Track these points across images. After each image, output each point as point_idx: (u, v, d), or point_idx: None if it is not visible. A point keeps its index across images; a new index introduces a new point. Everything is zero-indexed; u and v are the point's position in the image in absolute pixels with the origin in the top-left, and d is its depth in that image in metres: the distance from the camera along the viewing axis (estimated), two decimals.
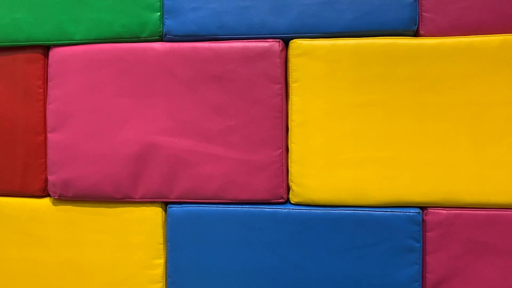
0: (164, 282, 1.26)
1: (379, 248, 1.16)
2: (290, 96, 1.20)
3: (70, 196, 1.25)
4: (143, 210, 1.25)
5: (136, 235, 1.25)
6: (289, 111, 1.20)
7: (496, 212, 1.14)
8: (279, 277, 1.19)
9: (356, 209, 1.18)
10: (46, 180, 1.28)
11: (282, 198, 1.22)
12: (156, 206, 1.25)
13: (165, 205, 1.26)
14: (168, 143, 1.22)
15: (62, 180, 1.25)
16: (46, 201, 1.29)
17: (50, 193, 1.27)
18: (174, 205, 1.24)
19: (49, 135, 1.26)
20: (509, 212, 1.14)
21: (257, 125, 1.20)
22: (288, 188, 1.23)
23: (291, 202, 1.22)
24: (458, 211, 1.15)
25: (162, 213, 1.26)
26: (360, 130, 1.17)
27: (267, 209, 1.21)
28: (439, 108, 1.15)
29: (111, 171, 1.23)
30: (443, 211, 1.15)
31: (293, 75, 1.19)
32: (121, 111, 1.23)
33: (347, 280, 1.17)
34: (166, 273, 1.25)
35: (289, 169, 1.21)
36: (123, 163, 1.22)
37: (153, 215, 1.25)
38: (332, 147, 1.18)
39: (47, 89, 1.27)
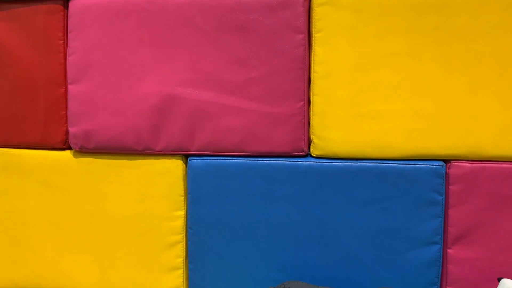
0: (185, 233, 1.27)
1: (401, 201, 1.16)
2: (313, 46, 1.17)
3: (91, 148, 1.26)
4: (164, 163, 1.25)
5: (157, 187, 1.26)
6: (312, 62, 1.18)
7: None
8: (300, 230, 1.20)
9: (378, 161, 1.16)
10: (67, 132, 1.29)
11: (303, 151, 1.21)
12: (177, 159, 1.25)
13: (186, 157, 1.26)
14: (189, 95, 1.21)
15: (83, 132, 1.25)
16: (67, 153, 1.30)
17: (71, 145, 1.28)
18: (195, 158, 1.24)
19: (69, 87, 1.26)
20: None
21: (279, 77, 1.18)
22: (309, 141, 1.22)
23: (312, 155, 1.22)
24: (482, 164, 1.14)
25: (183, 165, 1.26)
26: (384, 82, 1.15)
27: (288, 162, 1.20)
28: (466, 59, 1.12)
29: (132, 123, 1.23)
30: (467, 164, 1.14)
31: (316, 25, 1.16)
32: (142, 62, 1.21)
33: (368, 233, 1.17)
34: (186, 224, 1.26)
35: (311, 122, 1.20)
36: (144, 115, 1.22)
37: (174, 167, 1.25)
38: (355, 99, 1.17)
39: (67, 40, 1.26)
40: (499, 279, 1.01)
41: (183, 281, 1.27)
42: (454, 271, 1.16)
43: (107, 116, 1.23)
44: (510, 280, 0.98)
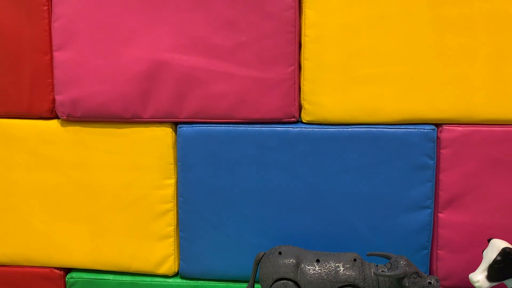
0: (175, 201, 1.26)
1: (392, 166, 1.15)
2: (304, 9, 1.15)
3: (78, 116, 1.24)
4: (153, 131, 1.24)
5: (147, 155, 1.24)
6: (303, 25, 1.16)
7: None
8: (291, 196, 1.19)
9: (369, 126, 1.16)
10: (53, 101, 1.26)
11: (294, 117, 1.20)
12: (166, 126, 1.23)
13: (175, 125, 1.24)
14: (177, 61, 1.19)
15: (70, 99, 1.23)
16: (55, 122, 1.27)
17: (58, 114, 1.25)
18: (184, 125, 1.22)
19: (55, 53, 1.22)
20: None
21: (269, 41, 1.16)
22: (300, 107, 1.21)
23: (303, 121, 1.20)
24: (474, 128, 1.13)
25: (172, 133, 1.24)
26: (376, 45, 1.13)
27: (279, 128, 1.19)
28: (458, 21, 1.11)
29: (119, 90, 1.20)
30: (458, 128, 1.14)
31: None
32: (129, 27, 1.18)
33: (359, 198, 1.17)
34: (177, 193, 1.25)
35: (302, 87, 1.18)
36: (131, 81, 1.20)
37: (163, 135, 1.24)
38: (346, 63, 1.15)
39: (51, 6, 1.22)
40: (489, 240, 1.01)
41: (174, 250, 1.27)
42: (444, 235, 1.17)
43: (94, 83, 1.21)
44: (500, 240, 0.99)
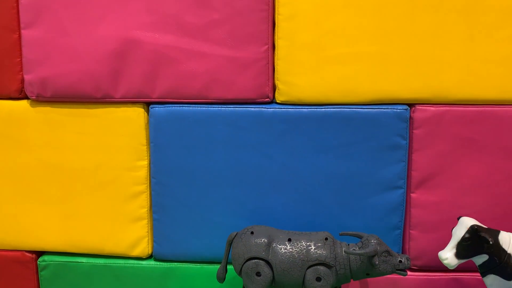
0: (148, 183, 1.24)
1: (366, 145, 1.15)
2: None
3: (48, 96, 1.21)
4: (125, 111, 1.21)
5: (118, 136, 1.22)
6: (276, 3, 1.14)
7: (485, 108, 1.13)
8: (265, 176, 1.18)
9: (343, 106, 1.15)
10: (22, 80, 1.23)
11: (268, 97, 1.19)
12: (138, 107, 1.21)
13: (148, 105, 1.22)
14: (149, 39, 1.16)
15: (39, 79, 1.20)
16: (24, 103, 1.24)
17: (28, 94, 1.22)
18: (157, 105, 1.20)
19: (23, 32, 1.19)
20: (498, 108, 1.12)
21: (242, 19, 1.14)
22: (274, 87, 1.20)
23: (277, 101, 1.19)
24: (446, 108, 1.13)
25: (145, 113, 1.22)
26: (349, 24, 1.12)
27: (253, 108, 1.18)
28: (431, 1, 1.10)
29: (89, 69, 1.18)
30: (431, 108, 1.14)
31: None
32: (99, 4, 1.16)
33: (332, 178, 1.17)
34: (150, 174, 1.24)
35: (276, 67, 1.17)
36: (102, 60, 1.17)
37: (135, 115, 1.21)
38: (320, 43, 1.14)
39: None
40: (458, 218, 1.02)
41: (147, 232, 1.26)
42: (417, 214, 1.17)
43: (64, 62, 1.18)
44: (468, 217, 1.00)
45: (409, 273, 1.20)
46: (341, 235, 1.12)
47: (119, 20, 1.16)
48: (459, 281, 1.19)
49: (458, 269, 1.15)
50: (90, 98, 1.20)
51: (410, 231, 1.18)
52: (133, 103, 1.21)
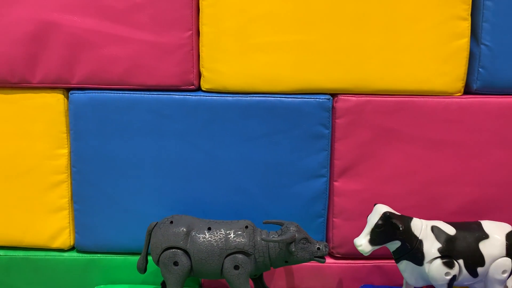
0: (69, 172, 1.20)
1: (289, 135, 1.15)
2: None
3: None
4: (43, 97, 1.16)
5: (37, 123, 1.17)
6: None
7: (404, 98, 1.15)
8: (189, 165, 1.17)
9: (267, 95, 1.15)
10: None
11: (193, 85, 1.17)
12: (57, 92, 1.16)
13: (67, 91, 1.18)
14: (67, 22, 1.11)
15: None
16: None
17: None
18: (77, 91, 1.16)
19: None
20: (417, 98, 1.15)
21: (164, 4, 1.11)
22: (199, 74, 1.18)
23: (202, 89, 1.17)
24: (368, 98, 1.15)
25: (64, 100, 1.17)
26: (273, 13, 1.12)
27: (177, 96, 1.15)
28: None
29: (4, 52, 1.12)
30: (353, 98, 1.15)
31: None
32: None
33: (257, 167, 1.16)
34: (70, 163, 1.19)
35: (200, 54, 1.15)
36: (17, 43, 1.12)
37: (54, 102, 1.17)
38: (245, 30, 1.13)
39: None
40: (374, 205, 1.03)
41: (69, 222, 1.21)
42: (340, 203, 1.19)
43: None
44: (382, 205, 1.02)
45: (333, 261, 1.21)
46: (264, 223, 1.11)
47: (35, 1, 1.10)
48: (381, 268, 1.21)
49: (380, 257, 1.18)
50: (5, 83, 1.15)
51: (333, 219, 1.20)
52: (52, 88, 1.16)
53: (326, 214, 1.20)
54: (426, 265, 1.00)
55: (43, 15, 1.11)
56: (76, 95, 1.15)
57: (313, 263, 1.13)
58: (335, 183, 1.18)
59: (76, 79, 1.14)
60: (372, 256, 1.11)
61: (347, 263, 1.21)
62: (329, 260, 1.21)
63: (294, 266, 1.20)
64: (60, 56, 1.13)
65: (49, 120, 1.17)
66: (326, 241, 1.22)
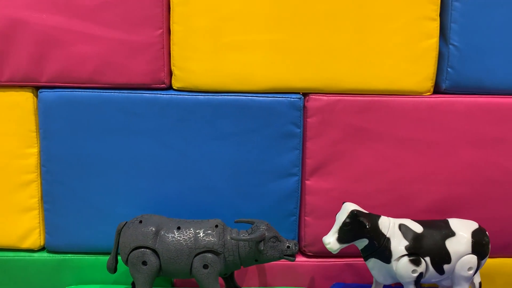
0: (39, 172, 1.18)
1: (261, 134, 1.15)
2: None
3: None
4: (12, 95, 1.15)
5: (5, 122, 1.16)
6: None
7: (375, 98, 1.16)
8: (160, 164, 1.16)
9: (239, 94, 1.15)
10: None
11: (164, 83, 1.16)
12: (26, 91, 1.15)
13: (36, 89, 1.16)
14: (36, 19, 1.10)
15: None
16: None
17: None
18: (46, 90, 1.14)
19: None
20: (387, 98, 1.16)
21: (135, 2, 1.10)
22: (170, 73, 1.17)
23: (174, 87, 1.17)
24: (338, 97, 1.16)
25: (33, 98, 1.16)
26: (245, 11, 1.12)
27: (148, 94, 1.15)
28: None
29: None
30: (324, 97, 1.15)
31: None
32: None
33: (228, 166, 1.16)
34: (40, 162, 1.18)
35: (171, 52, 1.15)
36: None
37: (23, 100, 1.15)
38: (216, 29, 1.12)
39: None
40: (343, 203, 1.04)
41: (39, 222, 1.20)
42: (311, 201, 1.19)
43: None
44: (350, 203, 1.02)
45: (305, 259, 1.22)
46: (236, 222, 1.12)
47: None
48: (352, 266, 1.22)
49: (351, 255, 1.19)
50: None
51: (305, 217, 1.21)
52: (21, 87, 1.15)
53: (298, 212, 1.21)
54: (393, 263, 1.01)
55: (10, 12, 1.09)
56: (46, 93, 1.14)
57: (285, 262, 1.13)
58: (307, 182, 1.19)
59: (45, 77, 1.13)
60: (343, 254, 1.12)
61: (319, 261, 1.22)
62: (301, 258, 1.22)
63: (266, 265, 1.20)
64: (29, 54, 1.11)
65: (18, 119, 1.15)
66: (298, 240, 1.23)
